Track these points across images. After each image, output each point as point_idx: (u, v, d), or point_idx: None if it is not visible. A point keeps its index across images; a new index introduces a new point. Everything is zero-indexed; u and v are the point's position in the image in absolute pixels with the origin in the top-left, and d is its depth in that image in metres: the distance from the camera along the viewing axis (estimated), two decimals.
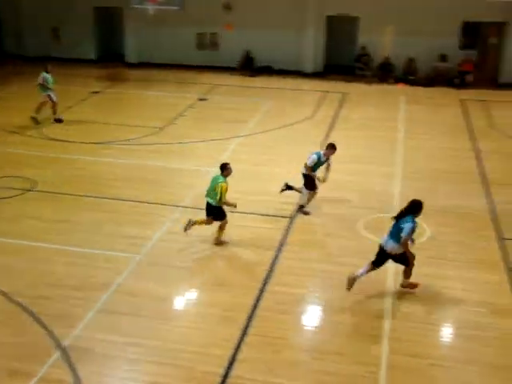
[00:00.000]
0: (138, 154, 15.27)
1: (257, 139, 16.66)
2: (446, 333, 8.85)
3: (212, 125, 17.87)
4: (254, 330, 8.56)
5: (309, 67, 24.41)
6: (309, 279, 9.97)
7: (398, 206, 12.27)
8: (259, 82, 23.39)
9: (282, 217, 11.98)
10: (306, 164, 11.91)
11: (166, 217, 11.89)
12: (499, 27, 22.87)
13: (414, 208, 9.10)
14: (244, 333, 8.47)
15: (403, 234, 8.89)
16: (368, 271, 9.30)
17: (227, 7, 24.27)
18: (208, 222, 10.82)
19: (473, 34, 23.24)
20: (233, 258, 10.62)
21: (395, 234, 9.03)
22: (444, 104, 20.74)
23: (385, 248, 9.14)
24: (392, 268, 9.90)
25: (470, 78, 22.63)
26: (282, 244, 10.95)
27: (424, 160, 15.20)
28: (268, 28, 24.11)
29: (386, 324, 8.72)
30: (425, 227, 11.50)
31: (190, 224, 10.71)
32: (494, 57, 23.32)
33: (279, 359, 8.03)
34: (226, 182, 10.46)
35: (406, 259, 9.21)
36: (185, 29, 24.81)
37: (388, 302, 9.25)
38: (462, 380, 7.73)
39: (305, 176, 12.03)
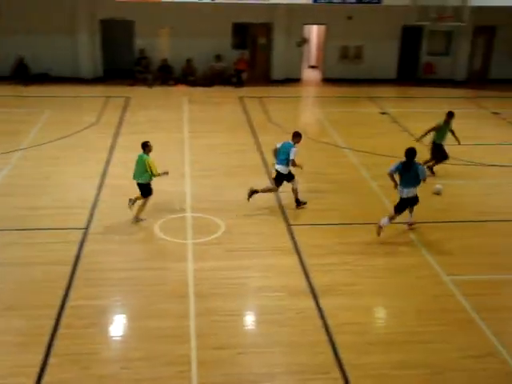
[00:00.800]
0: None
1: (42, 151, 15.75)
2: (250, 320, 9.21)
3: None
4: (57, 349, 8.12)
5: (88, 73, 23.72)
6: (110, 288, 9.71)
7: (190, 205, 12.55)
8: (35, 90, 22.13)
9: (76, 228, 11.52)
10: (291, 160, 12.16)
11: None
12: (266, 28, 24.31)
13: (412, 154, 11.18)
14: (47, 355, 8.00)
15: (422, 177, 11.19)
16: (391, 219, 11.32)
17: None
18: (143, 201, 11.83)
19: (243, 34, 24.47)
20: (23, 279, 9.91)
21: (413, 180, 11.13)
22: (224, 102, 21.53)
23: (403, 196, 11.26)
24: (191, 269, 10.09)
25: (245, 76, 23.78)
26: (78, 257, 10.52)
27: (212, 157, 15.62)
28: (40, 33, 22.96)
29: (191, 322, 8.82)
30: (219, 222, 11.85)
31: (132, 202, 11.71)
32: (265, 55, 24.77)
33: (88, 375, 7.72)
34: (149, 157, 11.62)
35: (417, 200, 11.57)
36: None
37: (190, 301, 9.36)
38: (268, 363, 8.10)
39: (287, 173, 12.46)
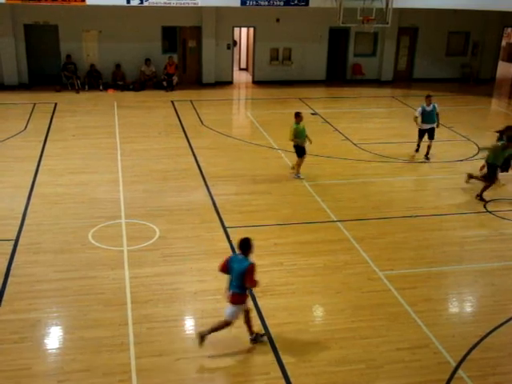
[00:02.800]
0: None
1: None
2: (188, 325, 9.13)
3: None
4: None
5: (12, 79, 22.97)
6: (43, 300, 9.42)
7: (125, 212, 12.37)
8: None
9: (6, 240, 11.14)
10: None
11: None
12: (196, 31, 24.23)
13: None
14: None
15: None
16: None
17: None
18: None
19: (173, 37, 24.30)
20: None
21: None
22: (156, 106, 21.32)
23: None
24: (127, 276, 9.95)
25: (175, 79, 23.62)
26: (8, 269, 10.17)
27: (145, 162, 15.43)
28: None
29: (129, 330, 8.68)
30: (154, 228, 11.73)
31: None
32: (195, 59, 24.69)
33: None
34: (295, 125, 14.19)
35: None
36: None
37: (128, 308, 9.22)
38: (208, 367, 8.08)
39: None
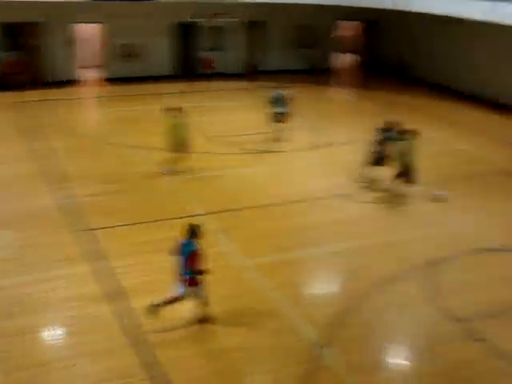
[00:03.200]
0: None
1: None
2: (48, 336, 8.70)
3: None
4: None
5: None
6: None
7: None
8: None
9: None
10: None
11: None
12: (39, 28, 22.99)
13: None
14: None
15: None
16: None
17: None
18: None
19: (14, 35, 22.86)
20: None
21: None
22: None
23: None
24: None
25: (19, 79, 22.27)
26: None
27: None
28: None
29: None
30: (8, 236, 11.11)
31: None
32: (38, 57, 23.37)
33: None
34: None
35: None
36: None
37: None
38: (77, 374, 7.83)
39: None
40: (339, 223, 12.44)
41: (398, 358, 8.61)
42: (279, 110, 17.01)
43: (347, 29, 31.21)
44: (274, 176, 15.11)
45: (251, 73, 26.53)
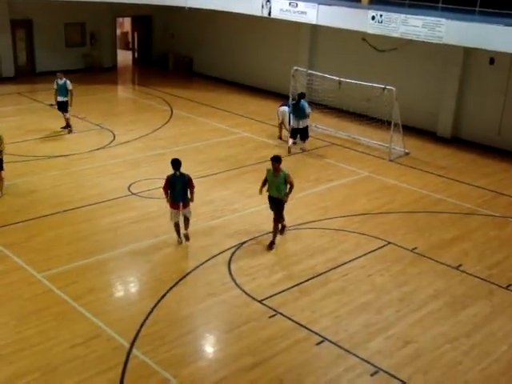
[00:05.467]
0: None
1: None
2: None
3: None
4: None
5: None
6: None
7: None
8: None
9: None
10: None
11: None
12: None
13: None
14: None
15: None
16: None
17: None
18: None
19: None
20: None
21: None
22: None
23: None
24: None
25: None
26: None
27: None
28: None
29: None
30: None
31: None
32: None
33: None
34: None
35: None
36: None
37: None
38: None
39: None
40: (137, 221, 12.31)
41: (207, 346, 8.81)
42: (61, 98, 17.33)
43: (124, 25, 30.99)
44: (63, 181, 14.41)
45: (23, 75, 24.96)
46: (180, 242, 11.43)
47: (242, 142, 17.86)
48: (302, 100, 16.98)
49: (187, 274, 10.41)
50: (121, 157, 16.03)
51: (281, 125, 18.19)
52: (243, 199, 13.63)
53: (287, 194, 11.23)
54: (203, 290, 9.96)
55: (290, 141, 17.16)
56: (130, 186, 14.06)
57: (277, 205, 11.37)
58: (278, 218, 11.45)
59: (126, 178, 14.52)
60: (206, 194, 13.65)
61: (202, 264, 10.76)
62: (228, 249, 11.32)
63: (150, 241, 11.57)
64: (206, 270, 10.58)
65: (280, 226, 11.69)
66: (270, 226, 11.56)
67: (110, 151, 16.45)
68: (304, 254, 11.32)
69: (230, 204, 13.38)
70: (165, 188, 11.13)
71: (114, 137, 17.64)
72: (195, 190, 11.22)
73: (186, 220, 11.36)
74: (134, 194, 13.68)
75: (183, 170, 11.06)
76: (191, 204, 11.31)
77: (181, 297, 9.76)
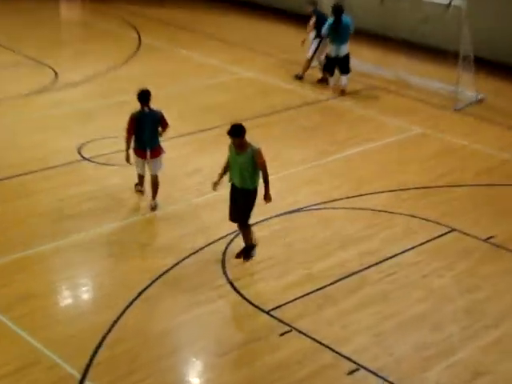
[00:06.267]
0: None
1: None
2: None
3: None
4: None
5: None
6: None
7: None
8: None
9: None
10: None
11: None
12: None
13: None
14: None
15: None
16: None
17: None
18: None
19: None
20: None
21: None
22: None
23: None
24: None
25: None
26: None
27: None
28: None
29: None
30: None
31: None
32: None
33: None
34: None
35: None
36: None
37: None
38: None
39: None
40: (91, 198, 12.29)
41: (191, 375, 8.87)
42: None
43: None
44: None
45: None
46: (141, 192, 11.82)
47: (241, 85, 17.85)
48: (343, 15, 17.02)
49: (163, 274, 10.43)
50: (66, 105, 16.04)
51: (310, 60, 18.15)
52: None
53: (266, 188, 10.18)
54: (186, 296, 10.00)
55: (331, 80, 17.45)
56: (80, 147, 14.09)
57: (244, 200, 10.35)
58: (243, 222, 10.48)
59: (74, 136, 14.53)
60: (189, 161, 13.65)
61: (183, 259, 10.80)
62: (221, 238, 11.35)
63: (110, 225, 11.61)
64: (190, 268, 10.63)
65: (247, 238, 10.60)
66: (280, 203, 11.58)
67: (51, 96, 16.46)
68: (330, 244, 11.36)
69: None
70: (129, 131, 11.25)
71: (56, 75, 17.60)
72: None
73: (154, 182, 11.51)
74: (87, 158, 13.70)
75: None
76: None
77: (154, 306, 9.79)
